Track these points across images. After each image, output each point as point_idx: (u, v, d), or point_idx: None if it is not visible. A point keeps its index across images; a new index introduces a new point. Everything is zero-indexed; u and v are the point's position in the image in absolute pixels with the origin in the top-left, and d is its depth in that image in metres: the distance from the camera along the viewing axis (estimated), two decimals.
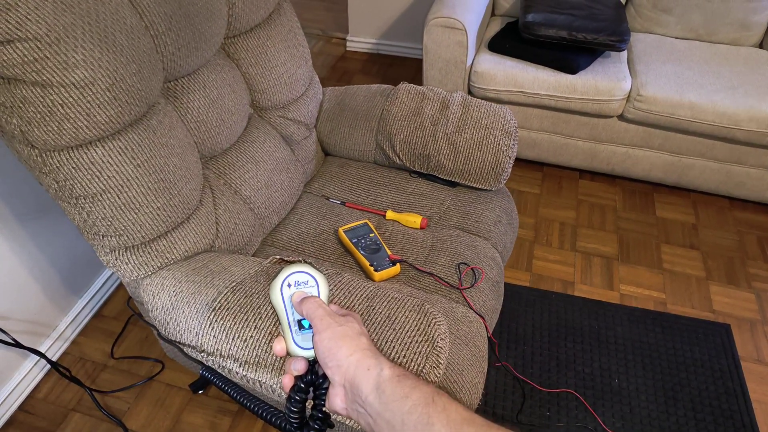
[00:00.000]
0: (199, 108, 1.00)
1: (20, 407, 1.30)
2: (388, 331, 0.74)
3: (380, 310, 0.77)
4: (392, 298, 0.80)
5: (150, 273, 0.91)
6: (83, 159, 0.79)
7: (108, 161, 0.80)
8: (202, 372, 0.73)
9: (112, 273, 1.56)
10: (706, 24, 1.98)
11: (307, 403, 0.58)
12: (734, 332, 1.51)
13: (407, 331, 0.75)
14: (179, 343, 0.82)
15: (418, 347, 0.73)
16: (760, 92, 1.71)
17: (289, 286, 0.61)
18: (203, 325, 0.77)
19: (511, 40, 1.87)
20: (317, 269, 0.64)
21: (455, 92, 1.32)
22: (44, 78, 0.71)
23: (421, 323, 0.76)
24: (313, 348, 0.56)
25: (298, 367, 0.57)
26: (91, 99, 0.75)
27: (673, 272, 1.68)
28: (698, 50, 1.93)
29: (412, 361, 0.71)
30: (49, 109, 0.73)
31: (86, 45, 0.73)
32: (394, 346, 0.72)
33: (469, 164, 1.24)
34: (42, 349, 1.35)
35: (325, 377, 0.55)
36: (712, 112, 1.68)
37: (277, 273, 0.63)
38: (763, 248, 1.78)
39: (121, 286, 1.58)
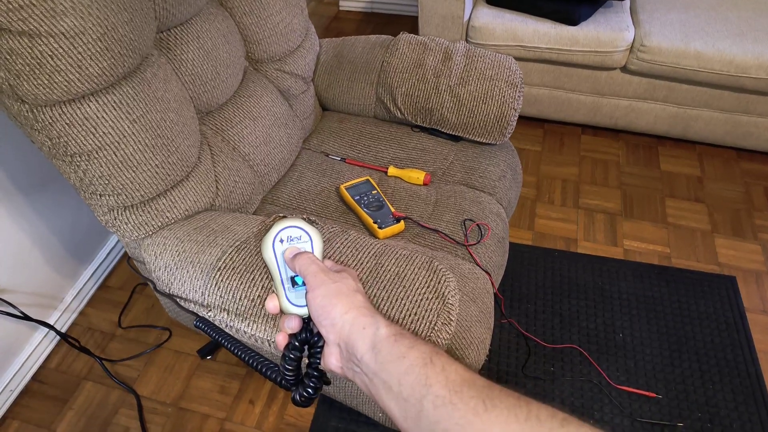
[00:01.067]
0: (194, 60, 0.96)
1: (34, 377, 1.32)
2: (398, 288, 0.73)
3: (389, 267, 0.75)
4: (400, 255, 0.78)
5: (150, 233, 0.89)
6: (76, 114, 0.76)
7: (103, 116, 0.77)
8: (196, 323, 0.72)
9: (116, 243, 1.56)
10: None
11: (302, 361, 0.56)
12: (740, 284, 1.49)
13: (417, 288, 0.73)
14: (178, 296, 0.81)
15: (428, 304, 0.72)
16: None
17: (282, 241, 0.58)
18: (209, 285, 0.77)
19: None
20: (311, 223, 0.62)
21: (458, 42, 1.27)
22: (31, 27, 0.67)
23: (431, 280, 0.75)
24: (306, 306, 0.55)
25: (292, 325, 0.55)
26: (82, 49, 0.71)
27: (678, 226, 1.66)
28: None
29: (423, 318, 0.70)
30: (38, 60, 0.69)
31: None
32: (404, 304, 0.71)
33: (473, 117, 1.20)
34: (50, 321, 1.36)
35: (319, 335, 0.54)
36: (719, 61, 1.62)
37: (269, 228, 0.60)
38: None
39: (124, 256, 1.58)
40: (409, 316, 0.70)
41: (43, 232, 1.29)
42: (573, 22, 1.69)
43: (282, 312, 0.57)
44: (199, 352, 1.34)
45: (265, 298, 0.71)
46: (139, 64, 0.81)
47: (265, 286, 0.73)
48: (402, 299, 0.72)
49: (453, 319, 0.72)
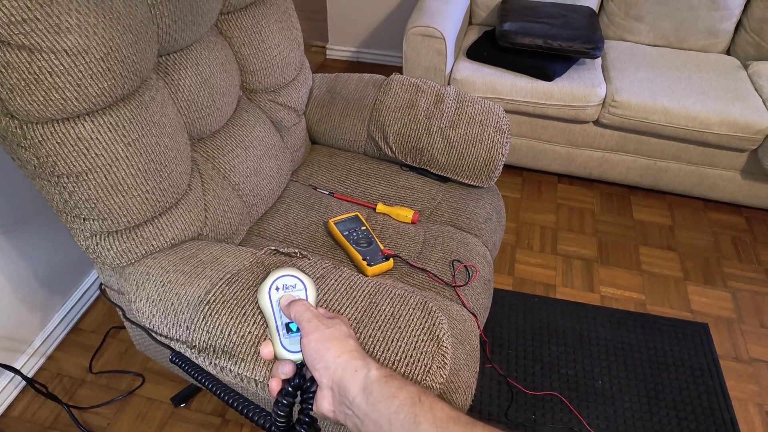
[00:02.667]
0: (191, 86, 0.96)
1: None
2: (393, 329, 0.73)
3: (383, 307, 0.75)
4: (395, 294, 0.78)
5: (133, 261, 0.86)
6: (70, 134, 0.73)
7: (97, 138, 0.75)
8: (171, 358, 0.71)
9: (91, 285, 1.52)
10: (676, 31, 2.04)
11: (294, 407, 0.57)
12: (712, 331, 1.54)
13: (412, 330, 0.73)
14: (157, 332, 0.78)
15: (423, 347, 0.72)
16: (728, 97, 1.77)
17: (277, 289, 0.61)
18: (196, 320, 0.74)
19: (488, 48, 1.90)
20: (305, 272, 0.64)
21: (448, 86, 1.31)
22: (33, 42, 0.65)
23: (426, 322, 0.75)
24: (300, 351, 0.56)
25: (286, 371, 0.56)
26: (84, 68, 0.70)
27: (652, 273, 1.71)
28: (669, 57, 1.98)
29: (419, 361, 0.70)
30: (35, 76, 0.67)
31: (81, 9, 0.68)
32: (400, 345, 0.71)
33: (463, 160, 1.23)
34: (17, 366, 1.31)
35: (312, 380, 0.55)
36: (685, 117, 1.72)
37: (265, 276, 0.63)
38: (737, 248, 1.82)
39: (99, 299, 1.54)
40: (405, 358, 0.70)
41: (13, 272, 1.26)
42: (548, 77, 1.78)
43: (276, 357, 0.58)
44: (173, 399, 1.30)
45: (258, 335, 0.71)
46: (138, 87, 0.80)
47: (257, 321, 0.71)
48: (397, 341, 0.72)
49: (447, 362, 0.72)
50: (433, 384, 0.70)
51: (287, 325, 0.59)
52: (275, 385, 0.57)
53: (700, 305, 1.62)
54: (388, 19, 2.65)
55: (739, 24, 2.03)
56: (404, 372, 0.69)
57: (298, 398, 0.57)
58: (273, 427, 0.57)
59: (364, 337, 0.71)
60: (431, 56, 1.79)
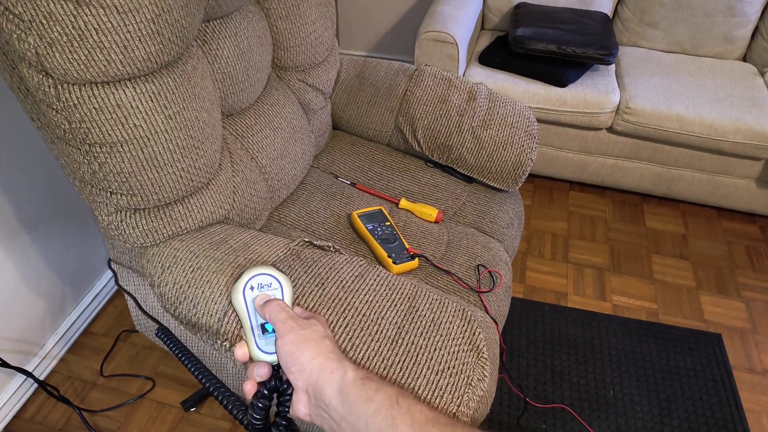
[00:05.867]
0: (228, 58, 0.90)
1: (6, 429, 1.26)
2: (435, 336, 0.71)
3: (424, 313, 0.73)
4: (433, 299, 0.76)
5: (158, 241, 0.81)
6: (109, 99, 0.68)
7: (137, 107, 0.70)
8: (157, 333, 0.71)
9: (103, 288, 1.53)
10: (691, 38, 2.02)
11: (271, 410, 0.56)
12: (725, 341, 1.52)
13: (453, 339, 0.71)
14: (186, 320, 0.74)
15: (464, 357, 0.70)
16: (744, 104, 1.75)
17: (252, 288, 0.59)
18: (230, 312, 0.70)
19: (501, 53, 1.89)
20: (281, 271, 0.62)
21: (480, 84, 1.28)
22: None
23: (466, 331, 0.73)
24: (276, 353, 0.55)
25: (261, 373, 0.55)
26: (133, 29, 0.64)
27: (664, 282, 1.70)
28: (684, 63, 1.96)
29: (461, 372, 0.69)
30: (79, 32, 0.61)
31: None
32: (443, 355, 0.69)
33: (492, 161, 1.20)
34: (29, 368, 1.31)
35: (289, 383, 0.54)
36: (699, 124, 1.71)
37: (240, 275, 0.61)
38: (752, 258, 1.80)
39: (110, 302, 1.56)
40: (447, 369, 0.68)
41: (25, 275, 1.26)
42: (561, 84, 1.78)
43: (251, 359, 0.57)
44: (183, 403, 1.30)
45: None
46: (181, 54, 0.75)
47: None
48: (440, 349, 0.69)
49: (487, 374, 0.71)
50: (474, 398, 0.68)
51: (262, 325, 0.58)
52: (250, 388, 0.56)
53: (713, 315, 1.60)
54: (399, 23, 2.65)
55: (755, 31, 2.01)
56: (447, 383, 0.68)
57: (275, 401, 0.55)
58: (249, 426, 0.56)
59: (408, 344, 0.69)
60: (443, 61, 1.79)
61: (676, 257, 1.79)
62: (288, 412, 0.54)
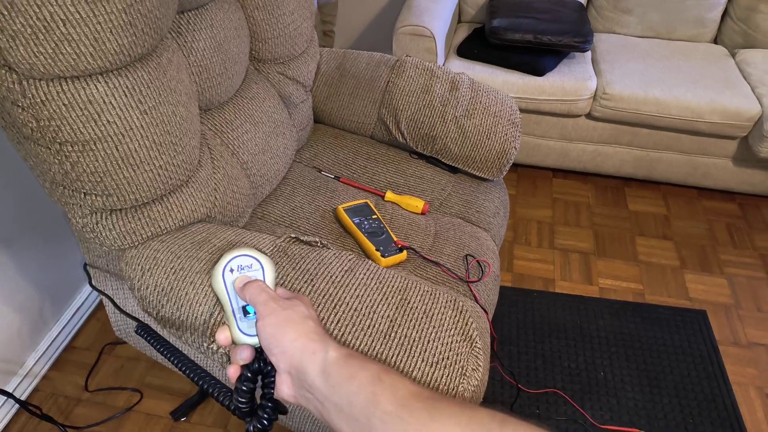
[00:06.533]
0: (204, 50, 0.88)
1: None
2: (428, 328, 0.70)
3: (416, 305, 0.72)
4: (425, 291, 0.75)
5: (137, 243, 0.78)
6: (80, 95, 0.64)
7: (111, 102, 0.66)
8: (137, 330, 0.70)
9: (84, 301, 1.49)
10: (664, 22, 2.05)
11: (258, 393, 0.56)
12: (710, 318, 1.55)
13: (446, 330, 0.71)
14: (170, 322, 0.73)
15: (458, 347, 0.69)
16: (718, 85, 1.78)
17: (232, 271, 0.58)
18: (217, 313, 0.68)
19: (478, 45, 1.90)
20: (261, 251, 0.61)
21: (462, 73, 1.28)
22: None
23: (458, 321, 0.73)
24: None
25: (244, 356, 0.54)
26: (103, 19, 0.61)
27: (649, 263, 1.72)
28: (659, 48, 1.99)
29: (456, 363, 0.68)
30: (45, 24, 0.58)
31: None
32: (436, 346, 0.69)
33: (476, 151, 1.20)
34: (9, 388, 1.26)
35: (272, 364, 0.54)
36: (676, 107, 1.74)
37: (219, 258, 0.59)
38: (732, 235, 1.84)
39: (93, 315, 1.52)
40: (442, 360, 0.68)
41: (3, 292, 1.22)
42: (539, 73, 1.79)
43: (234, 343, 0.56)
44: (173, 413, 1.27)
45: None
46: (156, 46, 0.72)
47: None
48: (433, 341, 0.69)
49: (481, 363, 0.70)
50: (470, 387, 0.68)
51: (244, 308, 0.57)
52: (234, 372, 0.55)
53: (697, 293, 1.63)
54: (376, 19, 2.65)
55: (725, 13, 2.05)
56: (441, 375, 0.68)
57: (259, 383, 0.55)
58: (236, 411, 0.56)
59: (401, 337, 0.69)
60: (421, 55, 1.79)
61: (660, 238, 1.82)
62: (273, 393, 0.53)
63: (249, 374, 0.54)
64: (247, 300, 0.56)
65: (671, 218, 1.90)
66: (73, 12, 0.59)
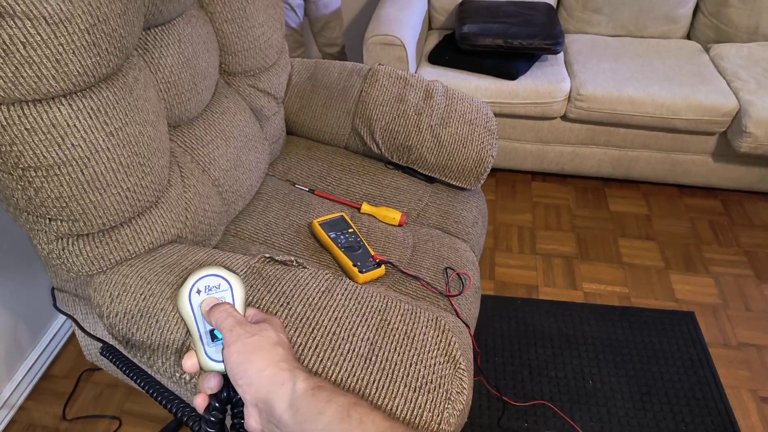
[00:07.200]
0: (172, 66, 0.86)
1: None
2: (410, 350, 0.68)
3: (396, 325, 0.70)
4: (404, 310, 0.74)
5: (105, 268, 0.76)
6: (42, 119, 0.63)
7: (75, 125, 0.65)
8: (102, 351, 0.66)
9: (60, 327, 1.44)
10: (635, 20, 2.04)
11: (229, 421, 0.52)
12: (698, 319, 1.51)
13: (429, 351, 0.69)
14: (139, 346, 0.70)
15: (441, 370, 0.67)
16: (693, 81, 1.76)
17: (199, 292, 0.55)
18: (190, 342, 0.67)
19: (450, 51, 1.88)
20: (231, 270, 0.58)
21: (436, 81, 1.26)
22: (4, 3, 0.55)
23: (441, 341, 0.71)
24: None
25: (211, 385, 0.51)
26: (65, 41, 0.60)
27: (633, 265, 1.68)
28: (631, 46, 1.98)
29: (440, 387, 0.66)
30: (4, 47, 0.57)
31: None
32: (419, 369, 0.67)
33: (452, 160, 1.18)
34: None
35: None
36: (651, 104, 1.71)
37: (186, 278, 0.57)
38: (716, 232, 1.81)
39: (70, 341, 1.47)
40: (426, 384, 0.66)
41: None
42: (511, 76, 1.76)
43: (201, 369, 0.53)
44: None
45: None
46: (121, 66, 0.71)
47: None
48: (416, 363, 0.67)
49: (466, 386, 0.69)
50: (454, 413, 0.66)
51: (211, 332, 0.53)
52: (201, 402, 0.51)
53: (684, 293, 1.59)
54: (348, 29, 2.62)
55: (696, 8, 2.04)
56: (425, 400, 0.65)
57: (229, 412, 0.52)
58: None
59: (382, 361, 0.66)
60: (393, 63, 1.76)
61: (642, 238, 1.78)
62: (243, 424, 0.51)
63: (217, 404, 0.51)
64: (213, 324, 0.53)
65: (653, 218, 1.87)
66: (34, 34, 0.58)
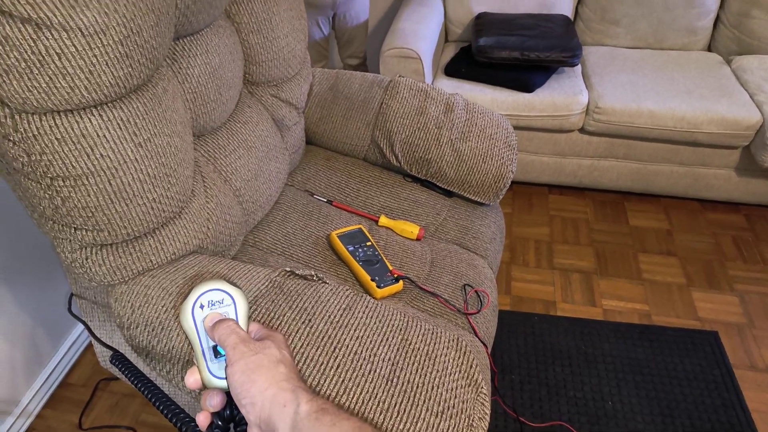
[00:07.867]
0: (200, 76, 0.87)
1: None
2: (431, 372, 0.67)
3: (417, 346, 0.69)
4: (425, 330, 0.73)
5: (127, 278, 0.76)
6: (73, 129, 0.63)
7: (104, 135, 0.65)
8: (111, 360, 0.65)
9: (78, 336, 1.45)
10: (654, 32, 2.01)
11: None
12: (723, 339, 1.47)
13: (450, 374, 0.68)
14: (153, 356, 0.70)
15: (463, 394, 0.66)
16: (714, 94, 1.73)
17: (202, 307, 0.54)
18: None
19: (466, 64, 1.87)
20: (234, 284, 0.57)
21: (456, 94, 1.25)
22: (41, 15, 0.55)
23: (462, 363, 0.69)
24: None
25: (214, 403, 0.50)
26: (99, 52, 0.60)
27: (654, 281, 1.64)
28: (650, 58, 1.95)
29: (462, 411, 0.65)
30: (40, 58, 0.57)
31: None
32: (441, 393, 0.66)
33: (472, 175, 1.17)
34: (4, 429, 1.24)
35: None
36: (671, 118, 1.68)
37: (189, 292, 0.56)
38: (740, 248, 1.76)
39: (88, 349, 1.47)
40: (448, 409, 0.64)
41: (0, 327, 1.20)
42: (528, 89, 1.75)
43: (204, 386, 0.52)
44: None
45: None
46: (151, 77, 0.72)
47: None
48: (438, 387, 0.66)
49: (488, 411, 0.67)
50: None
51: (214, 348, 0.53)
52: (203, 420, 0.51)
53: (706, 312, 1.55)
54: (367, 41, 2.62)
55: (717, 20, 2.01)
56: (447, 426, 0.63)
57: (232, 430, 0.51)
58: None
59: (404, 383, 0.65)
60: (409, 76, 1.75)
61: (663, 254, 1.74)
62: None
63: (220, 422, 0.51)
64: (217, 341, 0.52)
65: (674, 233, 1.83)
66: (69, 45, 0.58)
